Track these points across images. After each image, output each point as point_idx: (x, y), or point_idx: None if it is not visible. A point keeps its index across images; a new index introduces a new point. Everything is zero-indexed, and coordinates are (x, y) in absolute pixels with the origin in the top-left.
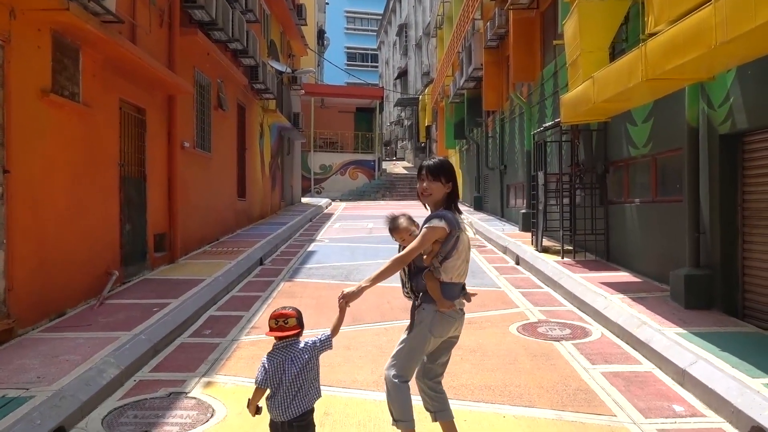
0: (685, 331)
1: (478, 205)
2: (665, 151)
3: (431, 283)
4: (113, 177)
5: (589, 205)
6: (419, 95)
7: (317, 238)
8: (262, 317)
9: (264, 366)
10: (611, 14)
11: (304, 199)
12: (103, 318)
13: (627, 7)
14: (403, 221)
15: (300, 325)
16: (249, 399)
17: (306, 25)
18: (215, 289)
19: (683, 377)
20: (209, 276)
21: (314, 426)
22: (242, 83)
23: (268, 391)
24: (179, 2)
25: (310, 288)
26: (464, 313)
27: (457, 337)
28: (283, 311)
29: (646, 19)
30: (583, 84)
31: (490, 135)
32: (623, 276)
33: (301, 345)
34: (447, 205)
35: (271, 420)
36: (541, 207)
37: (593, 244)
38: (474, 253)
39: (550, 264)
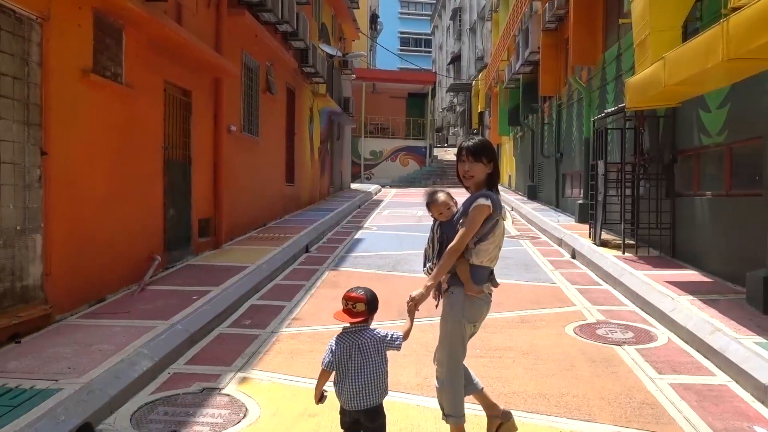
0: (765, 341)
1: (532, 195)
2: (743, 140)
3: (462, 265)
4: (156, 161)
5: (653, 198)
6: (472, 80)
7: (365, 226)
8: (303, 308)
9: (331, 348)
10: None
11: (353, 185)
12: (142, 305)
13: None
14: (441, 195)
15: (369, 309)
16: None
17: (358, 8)
18: (258, 277)
19: (765, 394)
20: (253, 263)
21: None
22: (292, 66)
23: (334, 375)
24: None
25: (355, 278)
26: (490, 298)
27: (477, 328)
28: (355, 294)
29: None
30: (652, 66)
31: (546, 121)
32: (691, 275)
33: (372, 334)
34: (489, 187)
35: (340, 406)
36: (600, 198)
37: (657, 239)
38: (527, 245)
39: (609, 259)
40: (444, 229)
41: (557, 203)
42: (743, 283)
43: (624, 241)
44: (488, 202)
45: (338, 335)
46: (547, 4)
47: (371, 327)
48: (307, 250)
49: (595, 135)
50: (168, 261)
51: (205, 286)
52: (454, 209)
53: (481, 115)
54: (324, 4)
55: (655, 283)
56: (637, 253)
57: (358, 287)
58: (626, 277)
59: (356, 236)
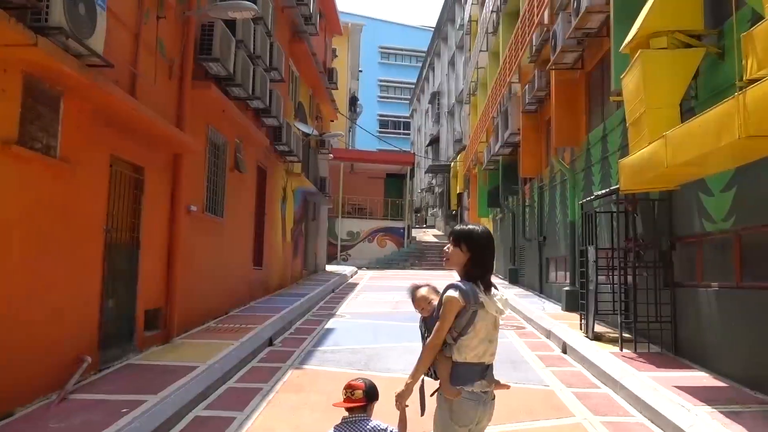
0: None
1: (514, 279)
2: (755, 227)
3: (440, 362)
4: (95, 244)
5: (650, 287)
6: (451, 162)
7: (337, 313)
8: (258, 421)
9: None
10: (681, 66)
11: (329, 267)
12: (55, 422)
13: (700, 57)
14: (422, 290)
15: (368, 397)
16: None
17: (336, 89)
18: (208, 380)
19: None
20: (204, 362)
21: None
22: (264, 144)
23: None
24: (193, 54)
25: (322, 379)
26: (494, 397)
27: (484, 427)
28: (353, 382)
29: (744, 62)
30: (651, 145)
31: (527, 203)
32: (701, 377)
33: (369, 425)
34: (468, 276)
35: None
36: (591, 287)
37: (657, 333)
38: (513, 336)
39: (605, 356)
40: (428, 324)
41: (541, 288)
42: (766, 391)
43: (621, 335)
44: (455, 294)
45: (336, 425)
46: (527, 86)
47: (371, 419)
48: (270, 343)
49: (583, 218)
50: (103, 361)
51: (141, 393)
52: (435, 303)
53: (459, 196)
54: (301, 83)
55: (662, 388)
56: (636, 350)
57: (357, 378)
58: (628, 379)
59: (327, 325)
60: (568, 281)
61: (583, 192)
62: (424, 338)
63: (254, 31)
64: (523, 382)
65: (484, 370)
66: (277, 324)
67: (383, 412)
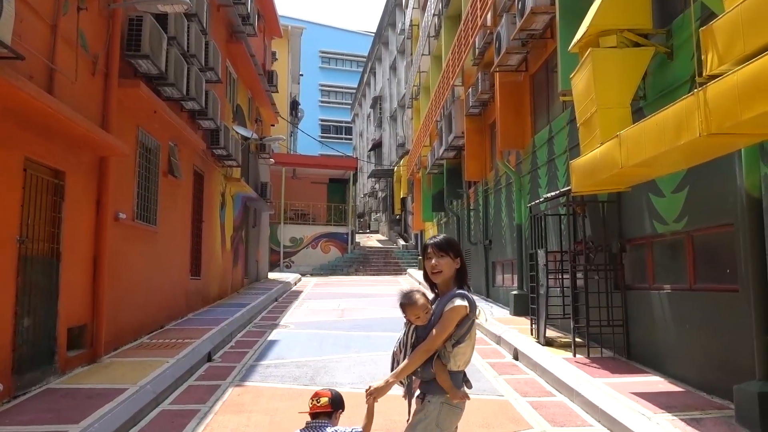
0: None
1: None
2: (707, 228)
3: (441, 372)
4: (7, 257)
5: (602, 291)
6: (394, 166)
7: (281, 323)
8: None
9: None
10: (631, 65)
11: (271, 275)
12: None
13: (649, 56)
14: (419, 297)
15: (334, 406)
16: None
17: (277, 92)
18: (139, 403)
19: None
20: (135, 383)
21: None
22: (200, 148)
23: None
24: (119, 50)
25: (265, 397)
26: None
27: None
28: (320, 391)
29: (704, 57)
30: (604, 145)
31: (472, 207)
32: (657, 382)
33: (330, 430)
34: (460, 285)
35: None
36: (542, 291)
37: (609, 338)
38: None
39: (558, 362)
40: (420, 334)
41: (488, 293)
42: (723, 395)
43: (574, 340)
44: (465, 303)
45: (300, 430)
46: (470, 89)
47: (330, 424)
48: (209, 358)
49: (531, 221)
50: (18, 387)
51: (61, 423)
52: (431, 312)
53: (403, 200)
54: (240, 86)
55: (619, 395)
56: (589, 355)
57: (325, 388)
58: (584, 386)
59: (270, 337)
60: (515, 285)
61: (530, 195)
62: (409, 348)
63: (188, 28)
64: (477, 393)
65: (464, 377)
66: (216, 337)
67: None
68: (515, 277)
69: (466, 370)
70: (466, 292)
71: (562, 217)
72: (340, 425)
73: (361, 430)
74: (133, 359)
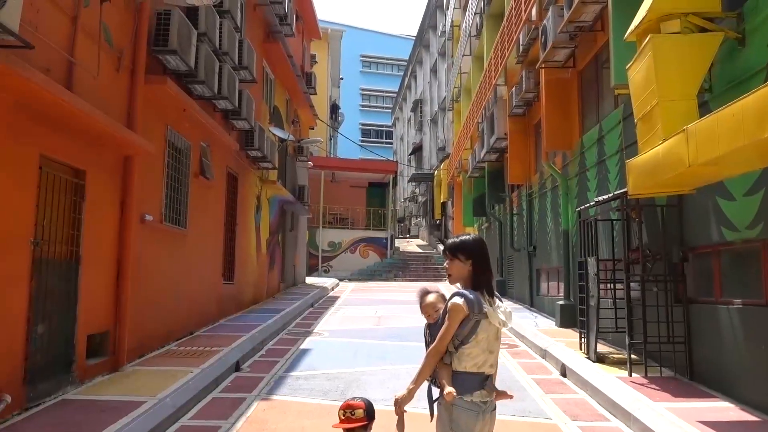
0: None
1: (501, 291)
2: None
3: (441, 369)
4: (17, 260)
5: (661, 304)
6: (434, 170)
7: (315, 330)
8: None
9: None
10: (698, 52)
11: (309, 279)
12: None
13: (718, 43)
14: (429, 297)
15: (369, 416)
16: None
17: (315, 94)
18: (156, 419)
19: None
20: (155, 395)
21: None
22: (233, 148)
23: None
24: (146, 45)
25: (291, 413)
26: (494, 407)
27: None
28: (352, 402)
29: None
30: (666, 142)
31: (515, 212)
32: (727, 409)
33: None
34: (475, 285)
35: None
36: (593, 303)
37: (669, 356)
38: (505, 356)
39: (612, 382)
40: (433, 331)
41: (531, 302)
42: None
43: (630, 356)
44: (460, 301)
45: None
46: (513, 89)
47: None
48: (237, 368)
49: (580, 227)
50: (32, 397)
51: None
52: (442, 310)
53: (443, 205)
54: (277, 86)
55: (685, 425)
56: (646, 374)
57: (354, 397)
58: (643, 411)
59: (303, 345)
60: (561, 294)
61: (577, 199)
62: (427, 345)
63: (220, 25)
64: (522, 414)
65: (483, 380)
66: (246, 345)
67: None
68: (561, 285)
69: (494, 375)
70: (467, 292)
71: (615, 222)
72: None
73: None
74: (157, 368)
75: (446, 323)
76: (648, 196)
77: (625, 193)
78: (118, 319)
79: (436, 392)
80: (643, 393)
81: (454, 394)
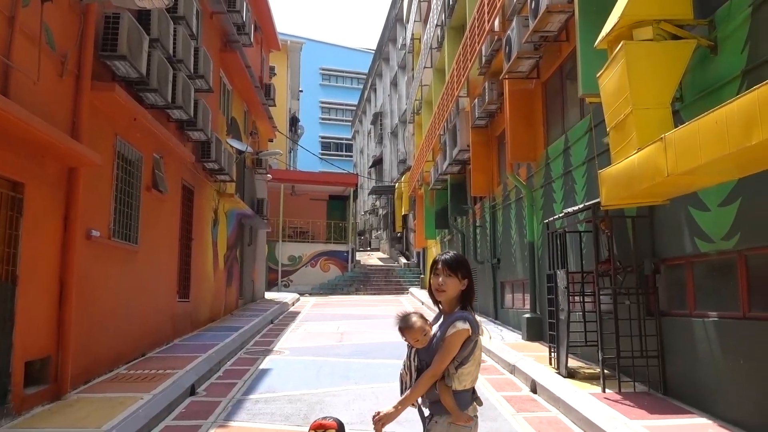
0: None
1: None
2: (763, 247)
3: (445, 393)
4: None
5: (634, 317)
6: (395, 183)
7: (275, 349)
8: None
9: None
10: (671, 60)
11: (269, 294)
12: None
13: (691, 50)
14: (416, 320)
15: None
16: None
17: (275, 106)
18: None
19: None
20: (99, 427)
21: None
22: (189, 160)
23: None
24: (93, 49)
25: None
26: (477, 419)
27: None
28: (323, 421)
29: None
30: (642, 151)
31: (478, 224)
32: (706, 426)
33: None
34: (463, 305)
35: None
36: (563, 316)
37: (642, 370)
38: None
39: (586, 399)
40: (422, 356)
41: (496, 314)
42: None
43: (603, 372)
44: (466, 326)
45: None
46: (476, 100)
47: None
48: (192, 391)
49: (548, 239)
50: None
51: None
52: (431, 334)
53: (405, 218)
54: (234, 97)
55: None
56: (620, 390)
57: (325, 416)
58: (620, 431)
59: (262, 365)
60: (527, 307)
61: (543, 210)
62: (409, 370)
63: (174, 31)
64: None
65: (473, 394)
66: (202, 367)
67: None
68: (527, 298)
69: (476, 387)
70: (468, 314)
71: (583, 234)
72: None
73: None
74: (104, 395)
75: (448, 348)
76: (621, 207)
77: (597, 204)
78: (61, 343)
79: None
80: (618, 410)
81: (471, 417)
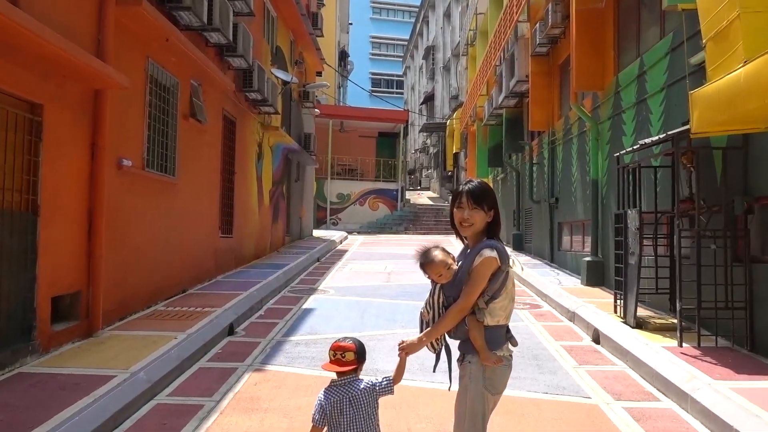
0: None
1: (518, 245)
2: None
3: (475, 329)
4: None
5: (719, 264)
6: (446, 120)
7: (320, 288)
8: None
9: (320, 403)
10: None
11: (316, 232)
12: None
13: None
14: (438, 254)
15: (359, 359)
16: None
17: (322, 36)
18: (125, 398)
19: None
20: (127, 368)
21: None
22: (229, 89)
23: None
24: None
25: (287, 388)
26: (511, 360)
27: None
28: (343, 343)
29: None
30: (750, 64)
31: (535, 161)
32: None
33: (362, 385)
34: (490, 235)
35: None
36: (633, 261)
37: (725, 324)
38: (528, 318)
39: (659, 353)
40: (447, 292)
41: (552, 257)
42: None
43: (680, 324)
44: (494, 254)
45: (326, 388)
46: (537, 25)
47: (360, 378)
48: (231, 331)
49: (619, 175)
50: None
51: (6, 429)
52: (455, 267)
53: (456, 156)
54: (279, 25)
55: (762, 411)
56: (699, 344)
57: (346, 337)
58: (703, 392)
59: (305, 305)
60: (587, 250)
61: (609, 145)
62: (438, 307)
63: None
64: (555, 391)
65: (507, 331)
66: (243, 304)
67: None
68: (587, 240)
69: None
70: (496, 242)
71: (658, 170)
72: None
73: (392, 377)
74: (137, 332)
75: (476, 278)
76: (712, 135)
77: (680, 133)
78: (92, 278)
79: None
80: (698, 368)
81: (500, 359)
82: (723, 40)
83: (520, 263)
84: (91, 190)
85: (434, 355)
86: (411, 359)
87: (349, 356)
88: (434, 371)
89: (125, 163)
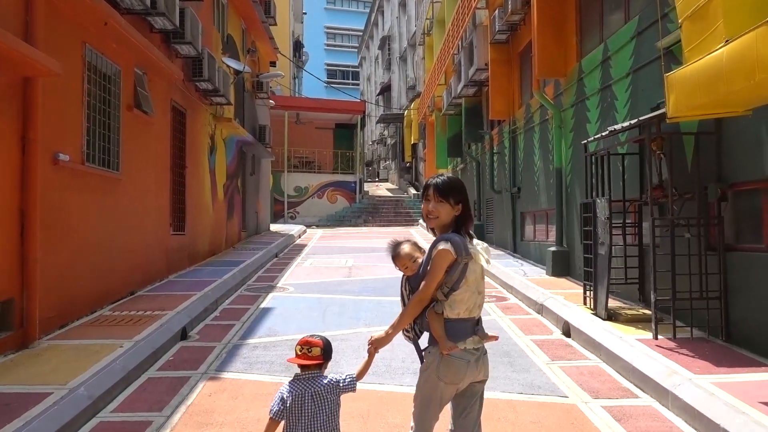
0: None
1: (479, 236)
2: None
3: (433, 320)
4: None
5: (693, 253)
6: (404, 110)
7: (279, 285)
8: None
9: (282, 396)
10: None
11: (274, 227)
12: None
13: None
14: (405, 247)
15: (325, 356)
16: None
17: (275, 24)
18: (61, 418)
19: None
20: (65, 383)
21: None
22: (177, 78)
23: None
24: None
25: (245, 398)
26: (485, 353)
27: (482, 383)
28: (310, 339)
29: None
30: (735, 42)
31: (495, 151)
32: None
33: (325, 381)
34: (456, 230)
35: None
36: (603, 251)
37: (699, 314)
38: (495, 312)
39: (633, 347)
40: (413, 284)
41: (514, 247)
42: None
43: (655, 315)
44: (447, 246)
45: (290, 381)
46: (496, 12)
47: (324, 374)
48: (183, 335)
49: (587, 163)
50: None
51: None
52: (420, 260)
53: (414, 147)
54: (230, 13)
55: (749, 408)
56: (675, 336)
57: (313, 333)
58: (684, 387)
59: (264, 304)
60: (551, 239)
61: (573, 132)
62: (404, 300)
63: None
64: (530, 391)
65: (474, 325)
66: (196, 306)
67: None
68: (551, 229)
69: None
70: (452, 235)
71: (625, 157)
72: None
73: (355, 375)
74: (79, 341)
75: (431, 271)
76: (695, 119)
77: (651, 119)
78: (26, 283)
79: (422, 343)
80: (676, 361)
81: (456, 346)
82: (701, 19)
83: (486, 257)
84: (23, 187)
85: (399, 356)
86: (377, 360)
87: (315, 351)
88: (422, 363)
89: (62, 157)
